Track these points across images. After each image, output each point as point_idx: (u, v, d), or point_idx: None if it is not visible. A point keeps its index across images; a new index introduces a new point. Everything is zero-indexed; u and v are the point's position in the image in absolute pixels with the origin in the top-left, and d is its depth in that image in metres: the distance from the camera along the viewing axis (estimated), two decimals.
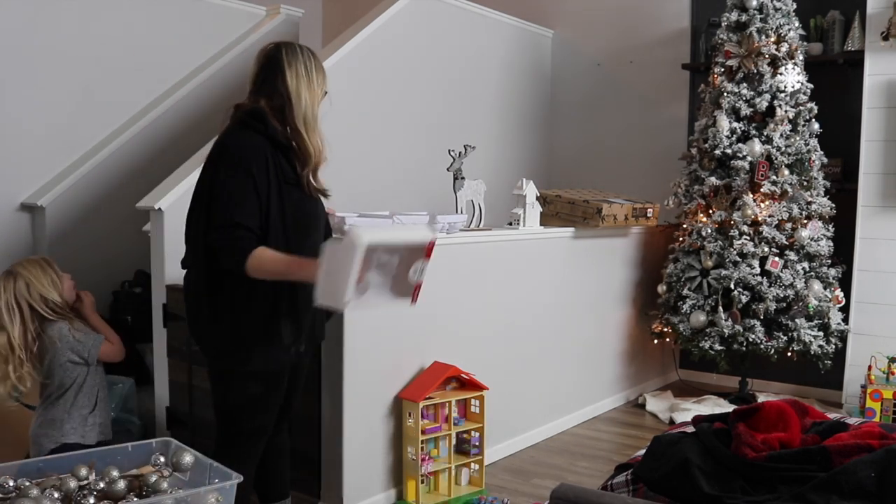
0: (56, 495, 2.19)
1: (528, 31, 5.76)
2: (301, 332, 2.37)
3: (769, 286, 4.24)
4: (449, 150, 3.65)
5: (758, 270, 4.26)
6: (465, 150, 3.64)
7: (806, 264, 4.30)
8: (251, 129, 2.28)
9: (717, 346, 4.31)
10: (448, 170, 3.63)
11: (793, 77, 4.32)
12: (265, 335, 2.27)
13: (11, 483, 2.20)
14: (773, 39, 4.33)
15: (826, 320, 4.31)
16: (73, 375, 2.47)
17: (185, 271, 2.35)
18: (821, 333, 4.29)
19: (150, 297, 3.66)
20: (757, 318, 4.26)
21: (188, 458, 2.42)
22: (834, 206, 4.40)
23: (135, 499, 2.26)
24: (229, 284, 2.24)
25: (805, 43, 4.53)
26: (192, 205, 2.31)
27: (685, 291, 4.43)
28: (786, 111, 4.30)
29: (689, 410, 4.35)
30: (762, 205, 4.29)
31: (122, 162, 4.62)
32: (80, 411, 2.48)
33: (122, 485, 2.26)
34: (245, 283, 2.21)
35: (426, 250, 2.11)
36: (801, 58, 4.40)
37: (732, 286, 4.29)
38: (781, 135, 4.31)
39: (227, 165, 2.24)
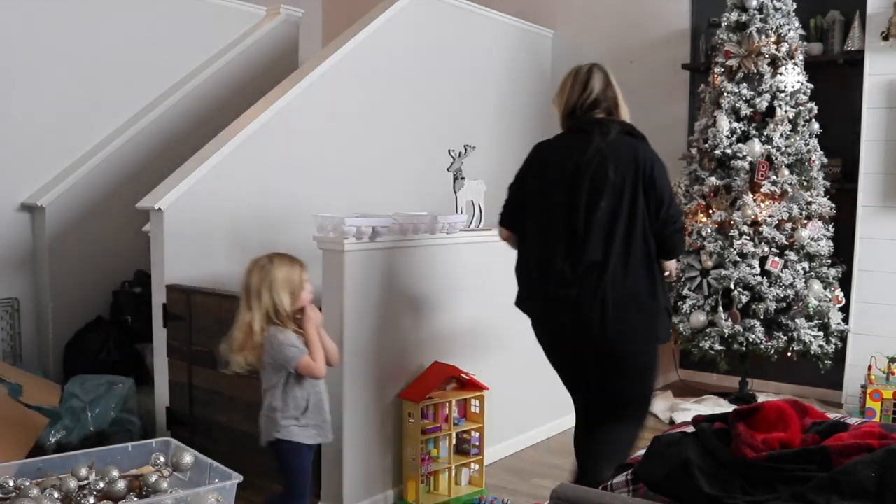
0: (56, 495, 2.19)
1: (528, 31, 5.76)
2: None
3: (769, 286, 4.24)
4: (449, 150, 3.65)
5: (758, 270, 4.26)
6: (465, 150, 3.64)
7: (806, 264, 4.30)
8: (643, 140, 2.67)
9: (717, 346, 4.31)
10: (448, 170, 3.63)
11: (793, 77, 4.32)
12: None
13: (11, 483, 2.20)
14: (773, 39, 4.33)
15: (826, 320, 4.31)
16: (272, 376, 2.56)
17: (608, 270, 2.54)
18: (821, 333, 4.28)
19: (150, 297, 3.66)
20: (757, 318, 4.25)
21: (188, 458, 2.43)
22: (834, 206, 4.39)
23: (135, 499, 2.26)
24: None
25: (805, 43, 4.53)
26: (631, 210, 2.55)
27: (685, 291, 4.43)
28: (786, 111, 4.30)
29: (689, 410, 4.35)
30: (762, 205, 4.29)
31: (122, 162, 4.63)
32: (289, 411, 2.55)
33: (122, 485, 2.26)
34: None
35: None
36: (801, 58, 4.40)
37: (732, 286, 4.29)
38: (781, 135, 4.31)
39: (665, 172, 2.63)
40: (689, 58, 5.31)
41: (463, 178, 3.62)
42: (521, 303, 2.80)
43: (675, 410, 4.45)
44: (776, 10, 4.36)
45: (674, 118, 5.40)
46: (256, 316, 2.51)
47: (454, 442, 3.32)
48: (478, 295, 3.66)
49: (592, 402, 2.77)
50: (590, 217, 2.55)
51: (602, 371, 2.66)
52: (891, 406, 3.97)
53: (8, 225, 4.27)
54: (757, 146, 4.27)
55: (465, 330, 3.60)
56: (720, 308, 4.32)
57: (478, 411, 3.40)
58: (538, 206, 2.67)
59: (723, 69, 4.45)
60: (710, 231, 4.38)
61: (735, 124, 4.38)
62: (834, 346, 4.32)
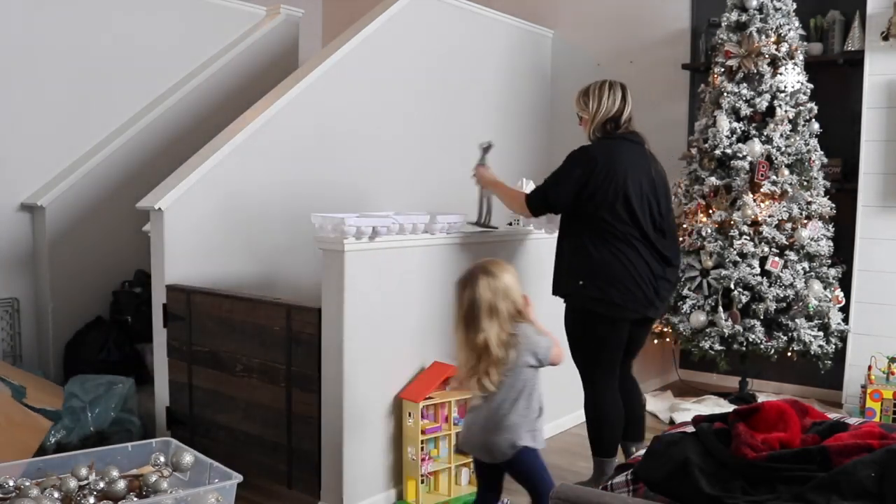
0: (56, 495, 2.19)
1: (528, 31, 5.76)
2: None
3: (769, 286, 4.24)
4: (480, 144, 3.61)
5: (758, 270, 4.26)
6: (489, 146, 3.60)
7: (806, 264, 4.30)
8: None
9: (717, 346, 4.31)
10: (480, 164, 3.58)
11: (793, 77, 4.32)
12: None
13: (11, 483, 2.20)
14: (773, 39, 4.33)
15: (826, 320, 4.31)
16: (525, 378, 2.43)
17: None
18: (821, 333, 4.28)
19: (150, 297, 3.66)
20: (757, 318, 4.25)
21: (188, 458, 2.43)
22: (834, 206, 4.40)
23: (135, 499, 2.26)
24: None
25: (805, 43, 4.53)
26: (669, 208, 3.22)
27: (685, 291, 4.43)
28: (786, 111, 4.30)
29: (689, 410, 4.35)
30: (762, 205, 4.29)
31: (122, 162, 4.63)
32: (530, 415, 2.44)
33: (122, 485, 2.26)
34: None
35: None
36: (801, 58, 4.40)
37: (732, 286, 4.29)
38: (781, 135, 4.31)
39: None
40: (689, 58, 5.31)
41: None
42: (598, 288, 3.10)
43: (675, 410, 4.46)
44: (776, 10, 4.36)
45: (674, 118, 5.40)
46: (492, 333, 2.38)
47: (454, 442, 3.32)
48: None
49: (627, 354, 3.35)
50: (665, 220, 3.15)
51: (646, 330, 3.37)
52: (891, 406, 3.97)
53: (8, 225, 4.27)
54: (757, 146, 4.27)
55: None
56: (720, 308, 4.32)
57: None
58: (627, 208, 3.05)
59: (723, 69, 4.45)
60: (710, 231, 4.38)
61: (735, 124, 4.38)
62: (834, 346, 4.32)
